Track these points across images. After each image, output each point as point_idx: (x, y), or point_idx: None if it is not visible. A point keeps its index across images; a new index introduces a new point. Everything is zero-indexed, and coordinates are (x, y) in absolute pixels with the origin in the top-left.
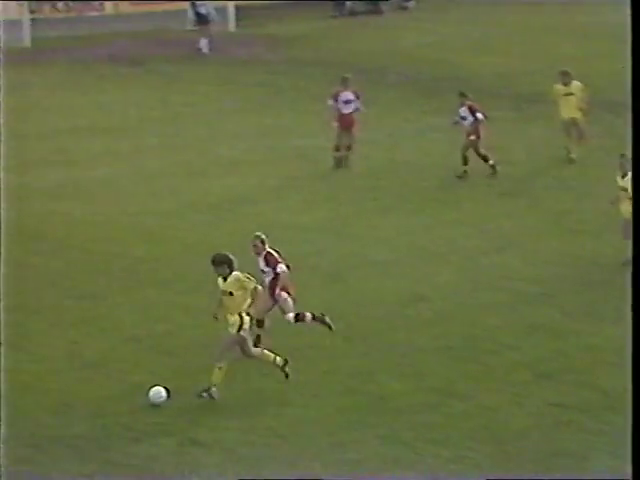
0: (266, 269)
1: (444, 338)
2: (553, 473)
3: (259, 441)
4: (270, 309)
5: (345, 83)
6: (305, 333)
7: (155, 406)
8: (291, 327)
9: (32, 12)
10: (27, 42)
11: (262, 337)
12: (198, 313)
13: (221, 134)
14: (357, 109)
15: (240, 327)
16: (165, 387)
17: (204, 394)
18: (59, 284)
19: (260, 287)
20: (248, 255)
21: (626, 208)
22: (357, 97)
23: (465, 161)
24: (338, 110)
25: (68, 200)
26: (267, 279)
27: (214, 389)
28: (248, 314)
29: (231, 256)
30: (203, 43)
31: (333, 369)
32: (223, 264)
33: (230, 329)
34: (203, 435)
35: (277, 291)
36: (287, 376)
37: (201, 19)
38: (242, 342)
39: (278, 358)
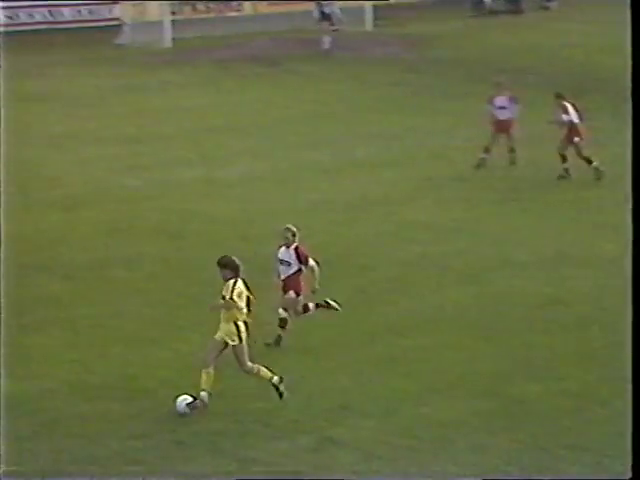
0: (292, 261)
1: (584, 343)
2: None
3: (395, 441)
4: (297, 302)
5: (498, 87)
6: (443, 331)
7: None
8: (425, 326)
9: (173, 13)
10: (168, 43)
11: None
12: (333, 311)
13: (356, 133)
14: (511, 117)
15: (239, 337)
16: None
17: (197, 402)
18: (199, 280)
19: (253, 298)
20: (382, 254)
21: None
22: (513, 101)
23: (564, 159)
24: (493, 115)
25: (206, 199)
26: (289, 271)
27: (203, 393)
28: (245, 323)
29: (237, 261)
30: (326, 40)
31: (471, 370)
32: (226, 268)
33: (226, 338)
34: (340, 434)
35: (302, 284)
36: (281, 396)
37: (325, 18)
38: (239, 353)
39: (275, 377)
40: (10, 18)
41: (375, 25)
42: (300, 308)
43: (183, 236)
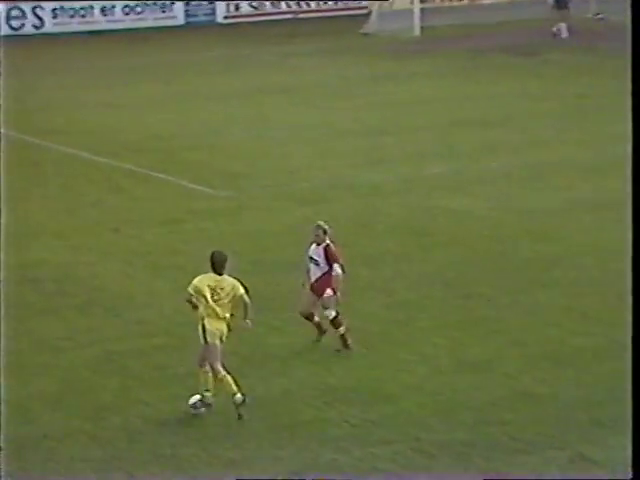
0: (320, 260)
1: None
2: None
3: None
4: (315, 304)
5: None
6: None
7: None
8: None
9: (422, 1)
10: (417, 31)
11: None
12: (592, 320)
13: (623, 129)
14: None
15: (203, 337)
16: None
17: (197, 404)
18: (444, 281)
19: (247, 299)
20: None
21: None
22: None
23: None
24: None
25: (453, 195)
26: (318, 272)
27: (207, 394)
28: (228, 325)
29: (218, 257)
30: (562, 28)
31: None
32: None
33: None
34: (594, 451)
35: (326, 288)
36: (240, 417)
37: (559, 3)
38: (212, 351)
39: (238, 395)
40: (255, 8)
41: None
42: (333, 314)
43: (428, 234)
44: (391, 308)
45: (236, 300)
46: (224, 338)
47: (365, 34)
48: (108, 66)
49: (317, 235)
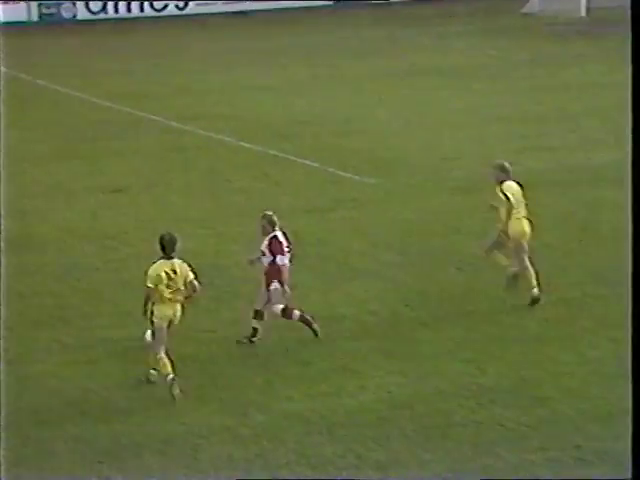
0: (267, 252)
1: None
2: None
3: None
4: (268, 299)
5: None
6: None
7: None
8: None
9: None
10: (582, 12)
11: (259, 331)
12: None
13: None
14: None
15: (172, 320)
16: None
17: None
18: (607, 279)
19: (197, 285)
20: None
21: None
22: None
23: None
24: None
25: (619, 187)
26: (265, 264)
27: (153, 372)
28: (183, 308)
29: (168, 239)
30: None
31: None
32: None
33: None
34: None
35: (273, 280)
36: (173, 396)
37: None
38: (158, 336)
39: (171, 376)
40: None
41: None
42: (281, 307)
43: (591, 228)
44: (551, 306)
45: (187, 284)
46: (176, 321)
47: (526, 14)
48: (253, 48)
49: (263, 226)
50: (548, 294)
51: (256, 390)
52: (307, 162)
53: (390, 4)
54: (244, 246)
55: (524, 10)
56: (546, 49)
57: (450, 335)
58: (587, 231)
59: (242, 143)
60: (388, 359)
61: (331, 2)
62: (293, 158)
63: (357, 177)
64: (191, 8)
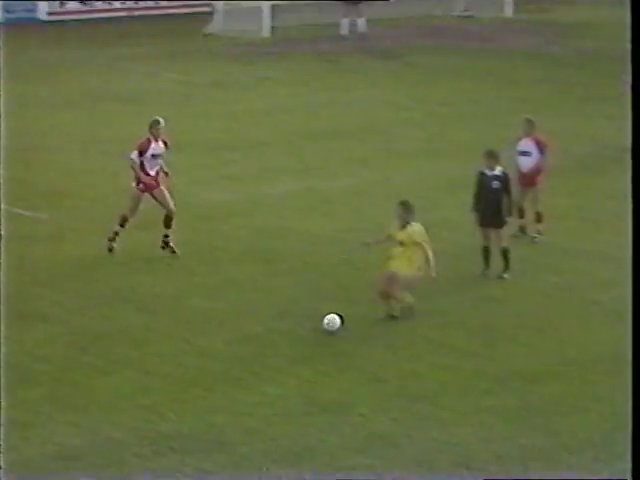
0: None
1: None
2: None
3: None
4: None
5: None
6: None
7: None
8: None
9: None
10: (266, 32)
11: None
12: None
13: (489, 140)
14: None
15: None
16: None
17: None
18: (293, 312)
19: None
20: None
21: None
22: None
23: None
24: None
25: (306, 216)
26: None
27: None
28: None
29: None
30: (343, 23)
31: None
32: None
33: None
34: None
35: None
36: None
37: None
38: None
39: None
40: (83, 3)
41: (516, 11)
42: None
43: (277, 260)
44: (233, 343)
45: None
46: None
47: (209, 34)
48: None
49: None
50: (231, 332)
51: None
52: None
53: (63, 22)
54: None
55: (206, 30)
56: (230, 72)
57: (128, 380)
58: (271, 263)
59: None
60: (59, 409)
61: None
62: None
63: (27, 212)
64: None
